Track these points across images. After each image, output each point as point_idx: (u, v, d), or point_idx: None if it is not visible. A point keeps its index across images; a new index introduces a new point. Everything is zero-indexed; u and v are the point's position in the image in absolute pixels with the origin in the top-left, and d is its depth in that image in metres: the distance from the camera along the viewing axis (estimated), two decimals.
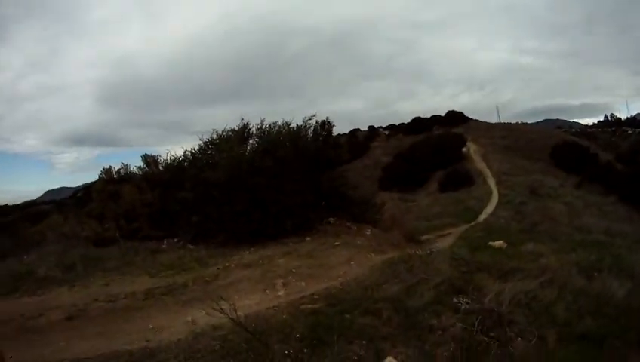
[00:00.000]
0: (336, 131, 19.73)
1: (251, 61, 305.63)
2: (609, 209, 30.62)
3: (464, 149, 71.06)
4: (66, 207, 40.64)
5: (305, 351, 6.60)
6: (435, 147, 66.72)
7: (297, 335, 7.02)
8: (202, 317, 7.69)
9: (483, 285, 9.32)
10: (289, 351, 6.52)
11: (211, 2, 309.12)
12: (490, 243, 15.17)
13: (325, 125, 18.06)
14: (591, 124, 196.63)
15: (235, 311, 6.92)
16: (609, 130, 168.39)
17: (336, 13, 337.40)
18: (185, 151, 17.32)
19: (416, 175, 62.22)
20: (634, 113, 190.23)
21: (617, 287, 9.63)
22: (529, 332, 7.46)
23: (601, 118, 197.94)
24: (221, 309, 6.84)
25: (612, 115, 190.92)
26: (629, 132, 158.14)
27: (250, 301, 9.23)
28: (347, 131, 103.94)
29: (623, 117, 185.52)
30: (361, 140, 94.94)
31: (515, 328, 7.62)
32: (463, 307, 8.28)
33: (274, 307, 8.65)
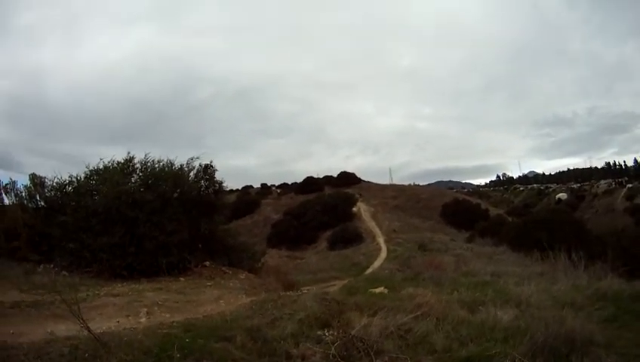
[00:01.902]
0: (229, 187, 19.64)
1: (156, 104, 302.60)
2: (499, 257, 31.02)
3: (354, 209, 72.48)
4: None
5: None
6: (325, 206, 68.36)
7: (144, 349, 6.68)
8: (61, 330, 7.33)
9: (351, 320, 9.03)
10: (131, 360, 6.26)
11: (128, 34, 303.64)
12: (371, 289, 14.85)
13: (208, 169, 17.93)
14: (483, 183, 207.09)
15: (87, 326, 6.59)
16: (501, 188, 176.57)
17: (242, 67, 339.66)
18: (70, 176, 16.78)
19: (306, 233, 63.49)
20: (526, 171, 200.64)
21: (503, 314, 9.69)
22: (401, 360, 7.22)
23: (494, 178, 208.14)
24: (79, 319, 6.52)
25: (504, 175, 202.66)
26: (521, 189, 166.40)
27: (111, 323, 8.89)
28: (240, 187, 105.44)
29: (515, 175, 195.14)
30: (253, 197, 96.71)
31: (386, 357, 7.34)
32: (327, 338, 7.95)
33: (131, 328, 8.35)
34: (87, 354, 6.31)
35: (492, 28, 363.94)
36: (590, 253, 17.50)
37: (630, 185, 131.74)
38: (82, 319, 6.51)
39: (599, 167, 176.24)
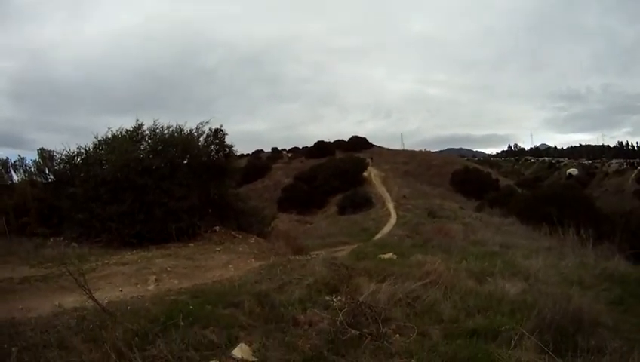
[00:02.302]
0: (239, 151, 19.36)
1: (165, 71, 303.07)
2: (508, 229, 31.01)
3: (365, 174, 72.16)
4: None
5: (154, 330, 6.23)
6: (335, 170, 67.89)
7: (150, 317, 6.69)
8: (69, 302, 7.49)
9: (360, 285, 9.05)
10: (137, 328, 6.19)
11: (133, 3, 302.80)
12: (380, 255, 14.81)
13: (218, 133, 17.67)
14: (494, 153, 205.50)
15: (92, 296, 6.66)
16: (512, 158, 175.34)
17: (252, 31, 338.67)
18: (78, 148, 16.56)
19: (316, 197, 63.40)
20: (537, 144, 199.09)
21: (510, 287, 9.65)
22: (409, 329, 7.19)
23: (505, 148, 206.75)
24: (85, 289, 6.60)
25: (516, 145, 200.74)
26: (532, 160, 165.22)
27: (119, 292, 8.99)
28: (251, 152, 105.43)
29: (527, 147, 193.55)
30: (264, 161, 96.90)
31: (393, 324, 7.34)
32: (335, 304, 7.96)
33: (139, 296, 8.48)
34: (92, 325, 6.36)
35: None
36: (598, 231, 17.47)
37: None
38: (88, 289, 6.57)
39: (611, 145, 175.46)
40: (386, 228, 34.14)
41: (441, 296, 8.68)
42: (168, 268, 11.19)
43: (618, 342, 6.69)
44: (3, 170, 19.72)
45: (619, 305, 9.63)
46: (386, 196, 55.95)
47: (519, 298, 8.88)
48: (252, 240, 15.93)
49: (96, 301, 6.58)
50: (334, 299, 8.23)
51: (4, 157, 20.08)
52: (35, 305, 7.93)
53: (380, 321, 7.11)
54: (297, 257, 12.40)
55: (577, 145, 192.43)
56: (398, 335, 6.97)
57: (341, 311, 7.26)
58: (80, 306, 7.03)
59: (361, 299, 7.75)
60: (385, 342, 6.63)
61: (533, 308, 7.70)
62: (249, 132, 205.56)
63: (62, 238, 14.73)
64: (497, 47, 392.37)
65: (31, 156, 19.01)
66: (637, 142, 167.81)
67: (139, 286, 9.68)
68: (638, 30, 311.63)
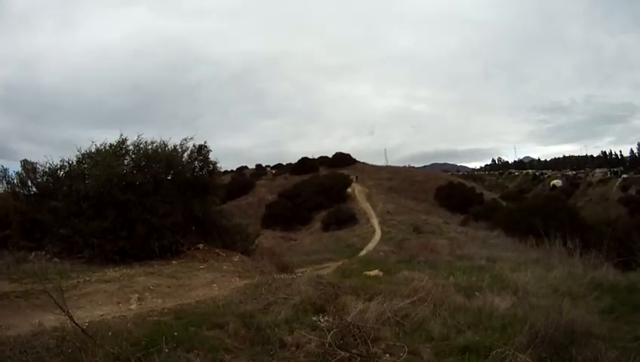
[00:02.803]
0: (223, 168, 19.21)
1: (151, 86, 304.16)
2: (493, 242, 31.11)
3: (349, 190, 72.81)
4: None
5: (137, 354, 6.03)
6: (319, 187, 68.77)
7: (132, 340, 6.47)
8: (50, 320, 7.24)
9: (347, 304, 8.86)
10: (118, 352, 5.99)
11: (123, 16, 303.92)
12: (366, 272, 14.72)
13: (202, 149, 17.58)
14: (478, 167, 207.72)
15: (71, 317, 6.38)
16: (496, 172, 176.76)
17: (239, 48, 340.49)
18: (62, 161, 16.44)
19: (300, 214, 63.89)
20: (521, 156, 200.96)
21: (500, 301, 9.49)
22: (399, 348, 7.03)
23: (489, 162, 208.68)
24: (64, 311, 6.31)
25: (499, 159, 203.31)
26: (516, 173, 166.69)
27: (101, 311, 8.79)
28: (235, 168, 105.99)
29: (511, 160, 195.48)
30: (248, 178, 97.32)
31: (382, 344, 7.17)
32: (322, 324, 7.79)
33: (121, 316, 8.22)
34: (70, 350, 6.13)
35: (490, 12, 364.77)
36: (584, 241, 17.42)
37: (625, 176, 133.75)
38: (67, 310, 6.33)
39: (595, 155, 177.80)
40: (371, 244, 34.66)
41: (430, 313, 8.56)
42: (151, 287, 11.03)
43: (614, 352, 6.52)
44: None
45: (610, 314, 9.51)
46: (371, 212, 56.60)
47: (509, 312, 8.79)
48: (236, 258, 15.82)
49: (75, 323, 6.36)
50: (321, 320, 8.06)
51: None
52: (15, 322, 7.79)
53: (369, 342, 7.00)
54: (282, 275, 12.22)
55: (561, 156, 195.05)
56: (388, 355, 6.83)
57: (329, 331, 7.13)
58: (60, 326, 6.78)
59: (348, 318, 7.61)
60: None
61: (524, 322, 7.56)
62: (233, 148, 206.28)
63: (44, 253, 14.52)
64: (481, 61, 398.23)
65: (14, 167, 18.60)
66: (620, 151, 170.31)
67: (121, 305, 9.51)
68: (620, 41, 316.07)
